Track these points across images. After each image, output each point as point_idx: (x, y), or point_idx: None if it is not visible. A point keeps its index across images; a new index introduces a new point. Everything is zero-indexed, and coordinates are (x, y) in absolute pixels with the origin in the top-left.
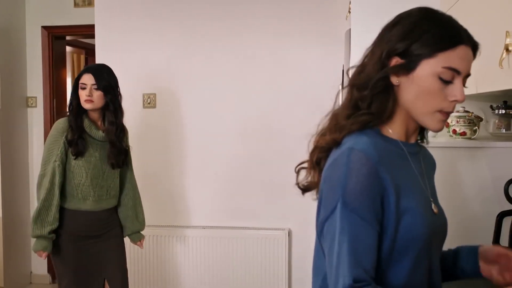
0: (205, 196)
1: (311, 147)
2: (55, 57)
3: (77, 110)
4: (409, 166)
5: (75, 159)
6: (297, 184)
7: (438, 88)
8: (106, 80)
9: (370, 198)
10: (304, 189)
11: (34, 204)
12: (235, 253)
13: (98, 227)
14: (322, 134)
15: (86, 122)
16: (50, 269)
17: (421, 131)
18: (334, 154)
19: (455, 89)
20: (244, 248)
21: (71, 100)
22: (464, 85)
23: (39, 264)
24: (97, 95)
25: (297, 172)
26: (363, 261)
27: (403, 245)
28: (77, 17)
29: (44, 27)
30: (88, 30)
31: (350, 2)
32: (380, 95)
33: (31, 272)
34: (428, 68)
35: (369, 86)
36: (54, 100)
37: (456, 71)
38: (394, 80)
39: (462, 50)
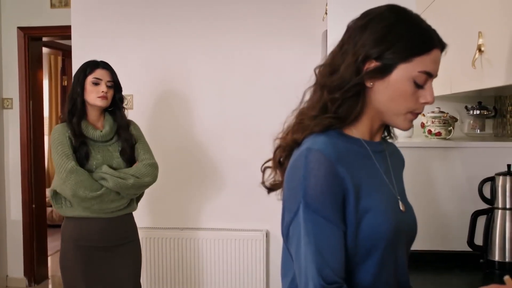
0: (182, 198)
1: (275, 145)
2: (31, 58)
3: (81, 111)
4: (373, 165)
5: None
6: (263, 183)
7: (411, 91)
8: (117, 77)
9: (331, 198)
10: (270, 189)
11: (10, 207)
12: (212, 254)
13: (111, 237)
14: (285, 133)
15: (83, 125)
16: (26, 273)
17: (386, 127)
18: (294, 155)
19: (426, 91)
20: (222, 250)
21: (74, 98)
22: None
23: (15, 268)
24: (110, 92)
25: (263, 171)
26: (330, 261)
27: (367, 245)
28: (53, 18)
29: (20, 28)
30: (65, 31)
31: (326, 4)
32: (351, 99)
33: (7, 276)
34: (404, 72)
35: (342, 89)
36: (31, 101)
37: (429, 75)
38: (368, 82)
39: (435, 54)
